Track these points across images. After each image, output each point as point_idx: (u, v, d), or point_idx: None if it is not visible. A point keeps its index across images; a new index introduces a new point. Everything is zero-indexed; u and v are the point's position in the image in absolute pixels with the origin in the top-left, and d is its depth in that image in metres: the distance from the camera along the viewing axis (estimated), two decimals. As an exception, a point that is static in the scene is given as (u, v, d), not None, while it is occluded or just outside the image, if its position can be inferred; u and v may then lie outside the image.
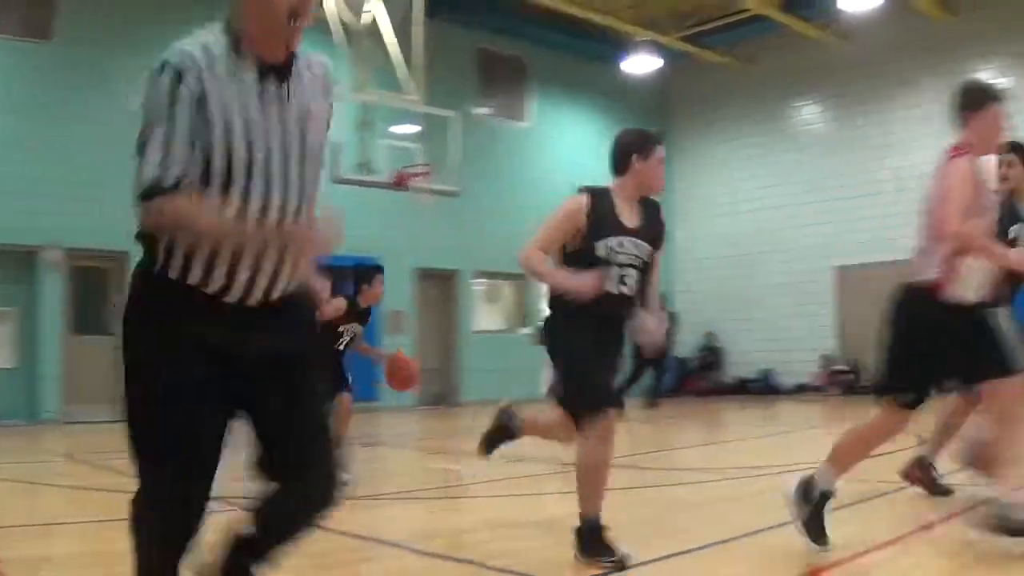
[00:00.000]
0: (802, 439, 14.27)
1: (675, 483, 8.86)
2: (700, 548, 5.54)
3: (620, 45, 24.48)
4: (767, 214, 25.24)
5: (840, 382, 23.19)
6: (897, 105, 23.31)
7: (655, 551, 5.30)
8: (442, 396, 23.07)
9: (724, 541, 5.70)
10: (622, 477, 8.22)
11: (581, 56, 25.64)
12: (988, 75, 21.79)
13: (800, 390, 23.88)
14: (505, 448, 6.65)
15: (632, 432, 14.34)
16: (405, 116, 18.95)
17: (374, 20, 17.97)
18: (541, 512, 7.23)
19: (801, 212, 24.80)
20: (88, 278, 18.71)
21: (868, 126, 24.00)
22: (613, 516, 5.17)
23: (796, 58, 24.69)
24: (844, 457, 5.53)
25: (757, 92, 25.74)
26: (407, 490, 8.88)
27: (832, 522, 5.29)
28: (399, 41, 18.03)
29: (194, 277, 3.08)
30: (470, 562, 5.34)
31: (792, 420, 18.56)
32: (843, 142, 24.33)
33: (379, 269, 9.31)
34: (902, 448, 10.66)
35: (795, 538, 5.34)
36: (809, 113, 25.37)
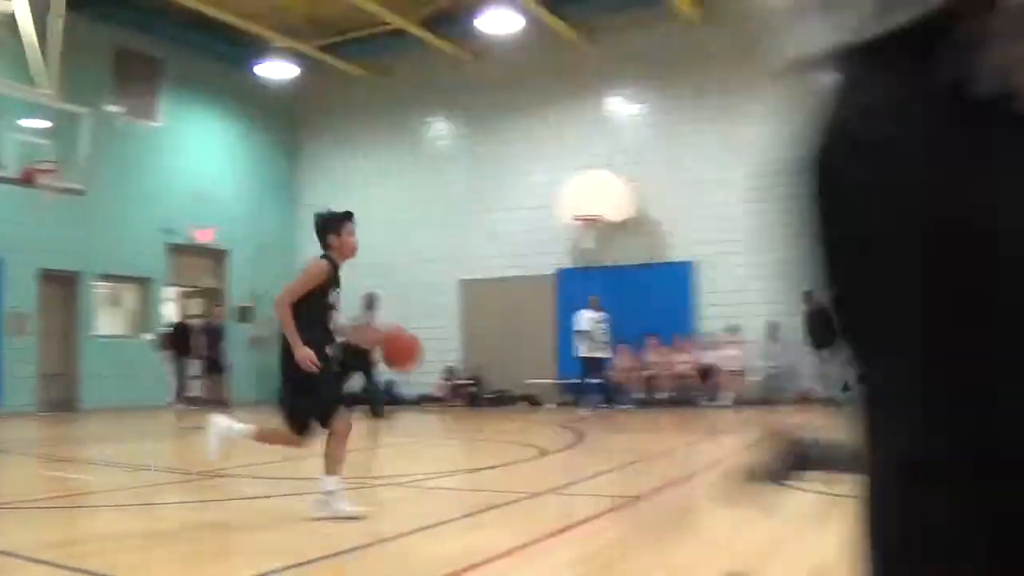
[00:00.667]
0: (426, 448, 14.65)
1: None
2: (331, 555, 5.54)
3: (257, 50, 24.36)
4: (397, 226, 25.61)
5: (463, 394, 23.73)
6: (534, 124, 24.21)
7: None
8: (62, 402, 22.18)
9: (358, 548, 5.72)
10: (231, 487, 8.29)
11: (217, 58, 25.33)
12: (619, 99, 23.00)
13: (423, 401, 24.37)
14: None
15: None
16: (36, 110, 18.23)
17: (13, 9, 17.27)
18: (162, 522, 7.15)
19: (430, 225, 25.31)
20: None
21: (499, 144, 24.77)
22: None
23: (433, 74, 25.33)
24: None
25: (393, 105, 26.30)
26: (24, 499, 8.49)
27: (457, 531, 5.45)
28: (36, 32, 17.35)
29: None
30: (88, 572, 5.22)
31: (416, 429, 18.82)
32: (476, 159, 25.04)
33: (349, 216, 7.17)
34: (527, 458, 11.19)
35: (423, 546, 5.60)
36: (443, 128, 26.03)
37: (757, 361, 21.16)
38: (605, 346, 20.65)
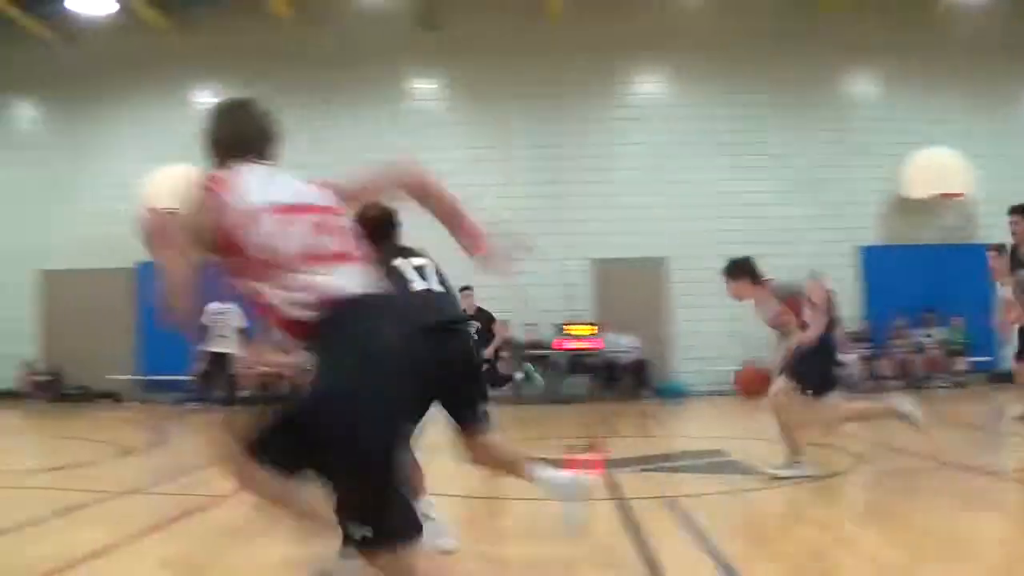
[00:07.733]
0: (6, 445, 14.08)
1: None
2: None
3: None
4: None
5: (43, 389, 22.71)
6: (122, 114, 23.50)
7: None
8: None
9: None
10: None
11: None
12: (210, 92, 22.45)
13: (2, 396, 23.08)
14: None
15: None
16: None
17: None
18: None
19: (3, 214, 23.93)
20: None
21: (89, 134, 23.86)
22: None
23: (18, 55, 23.89)
24: None
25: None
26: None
27: (50, 531, 5.35)
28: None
29: None
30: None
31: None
32: (64, 147, 23.92)
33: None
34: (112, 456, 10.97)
35: (17, 547, 5.54)
36: (29, 114, 24.71)
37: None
38: (225, 339, 19.39)
